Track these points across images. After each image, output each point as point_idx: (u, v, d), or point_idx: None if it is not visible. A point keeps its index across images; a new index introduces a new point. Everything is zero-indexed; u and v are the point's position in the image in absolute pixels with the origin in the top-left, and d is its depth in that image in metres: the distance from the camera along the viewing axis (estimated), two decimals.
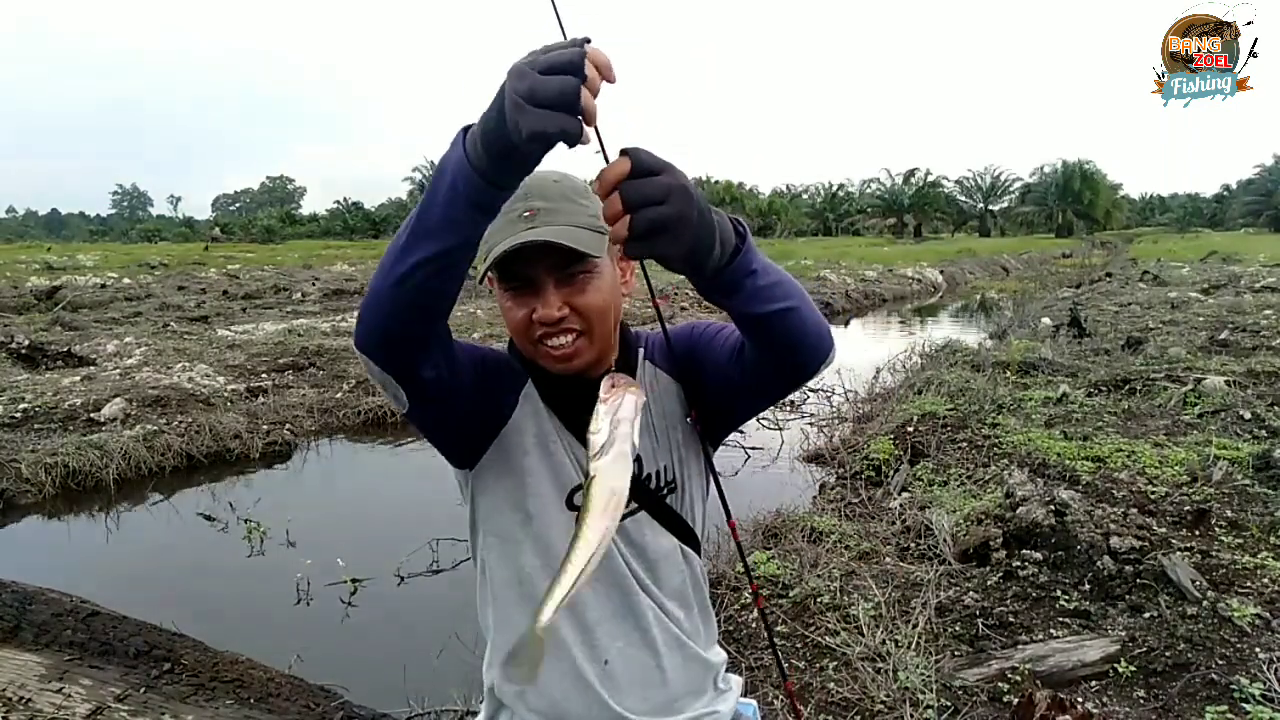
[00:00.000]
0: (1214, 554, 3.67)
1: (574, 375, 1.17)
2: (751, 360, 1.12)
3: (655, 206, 0.82)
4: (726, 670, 1.38)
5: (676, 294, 15.61)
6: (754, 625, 3.39)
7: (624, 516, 1.19)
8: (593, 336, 1.15)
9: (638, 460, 1.20)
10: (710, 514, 1.34)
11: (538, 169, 1.00)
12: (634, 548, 1.23)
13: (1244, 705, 2.63)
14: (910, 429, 6.00)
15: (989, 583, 3.61)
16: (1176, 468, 4.81)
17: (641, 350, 1.30)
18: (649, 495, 1.22)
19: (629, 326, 1.30)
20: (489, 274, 1.13)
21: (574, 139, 0.79)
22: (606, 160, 0.86)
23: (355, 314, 1.35)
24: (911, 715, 2.67)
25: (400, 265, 0.93)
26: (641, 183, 0.83)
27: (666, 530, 1.25)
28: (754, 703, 1.44)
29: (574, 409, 1.19)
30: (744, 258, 0.96)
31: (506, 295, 1.15)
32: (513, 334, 1.18)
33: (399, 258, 0.93)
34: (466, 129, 0.87)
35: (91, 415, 6.97)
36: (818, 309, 1.08)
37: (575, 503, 1.18)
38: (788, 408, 7.83)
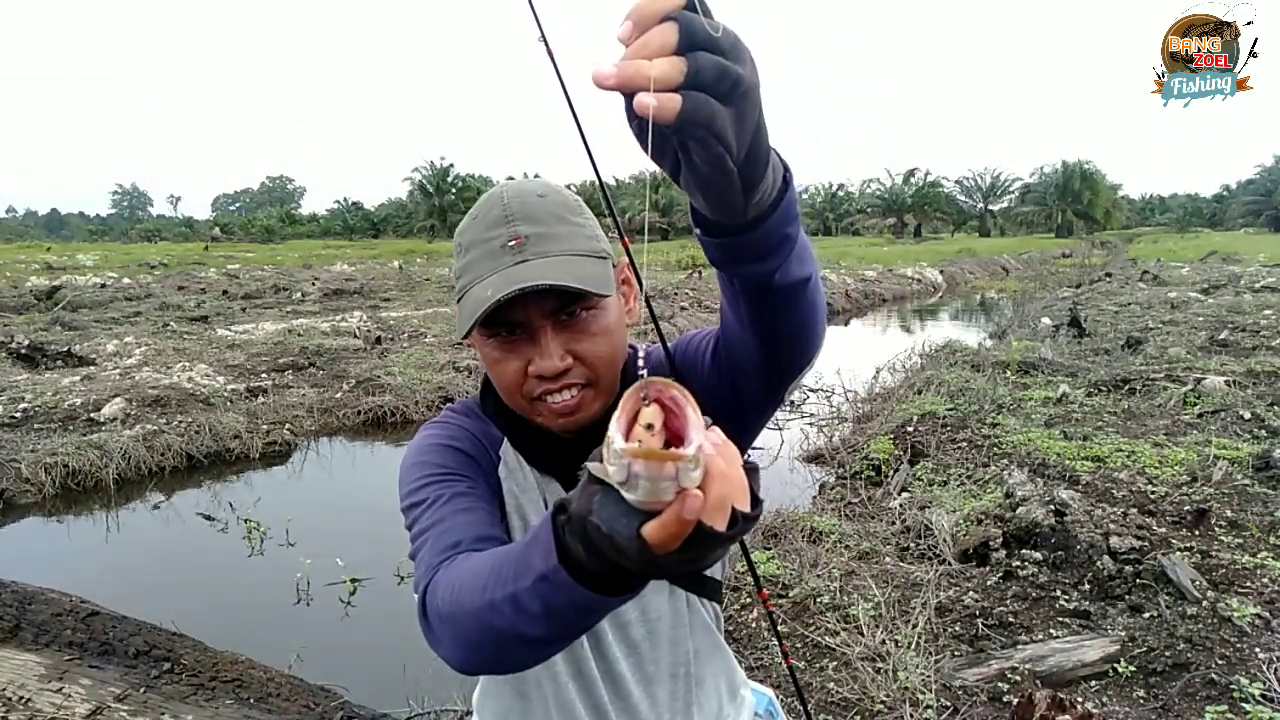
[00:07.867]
0: (1214, 554, 3.67)
1: (576, 429, 0.95)
2: (742, 355, 0.86)
3: (725, 55, 0.54)
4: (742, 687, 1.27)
5: (676, 294, 15.61)
6: (754, 625, 3.39)
7: None
8: (600, 386, 0.93)
9: None
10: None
11: (515, 180, 0.85)
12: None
13: (1244, 705, 2.63)
14: (910, 429, 6.00)
15: (989, 583, 3.61)
16: (1176, 468, 4.81)
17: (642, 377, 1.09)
18: None
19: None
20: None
21: None
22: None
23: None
24: (911, 715, 2.67)
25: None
26: (707, 19, 0.54)
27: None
28: (769, 692, 1.34)
29: (564, 462, 1.00)
30: (790, 197, 0.68)
31: (492, 344, 0.93)
32: (502, 392, 0.96)
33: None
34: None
35: (91, 415, 6.97)
36: None
37: None
38: (788, 408, 7.83)
